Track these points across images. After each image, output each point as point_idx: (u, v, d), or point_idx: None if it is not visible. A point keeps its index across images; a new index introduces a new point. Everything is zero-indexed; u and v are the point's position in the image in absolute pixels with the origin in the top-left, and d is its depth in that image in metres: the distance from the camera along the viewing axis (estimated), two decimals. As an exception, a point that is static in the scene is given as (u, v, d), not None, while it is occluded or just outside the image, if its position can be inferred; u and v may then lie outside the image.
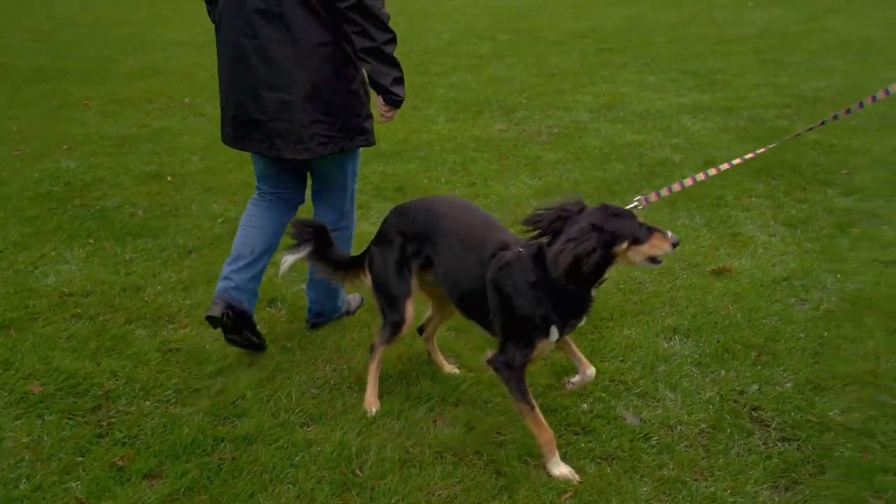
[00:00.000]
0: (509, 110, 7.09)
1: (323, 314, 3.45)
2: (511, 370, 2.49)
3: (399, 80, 2.94)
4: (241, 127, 3.04)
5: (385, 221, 2.91)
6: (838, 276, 3.79)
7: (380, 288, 2.86)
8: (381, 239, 2.87)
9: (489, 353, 2.58)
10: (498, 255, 2.52)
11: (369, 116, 3.08)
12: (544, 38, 10.89)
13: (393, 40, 2.86)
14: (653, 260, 2.43)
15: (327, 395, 2.92)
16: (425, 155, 5.75)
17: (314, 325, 3.44)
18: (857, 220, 4.44)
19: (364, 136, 3.06)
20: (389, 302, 2.82)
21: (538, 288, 2.41)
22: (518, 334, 2.49)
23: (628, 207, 2.51)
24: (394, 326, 2.82)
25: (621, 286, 3.72)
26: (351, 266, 2.98)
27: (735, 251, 4.10)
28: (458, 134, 6.30)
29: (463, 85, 8.03)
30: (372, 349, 2.92)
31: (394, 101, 2.97)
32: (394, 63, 2.89)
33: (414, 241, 2.78)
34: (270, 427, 2.72)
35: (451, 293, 2.73)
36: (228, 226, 4.38)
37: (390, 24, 2.85)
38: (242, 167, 5.38)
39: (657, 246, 2.39)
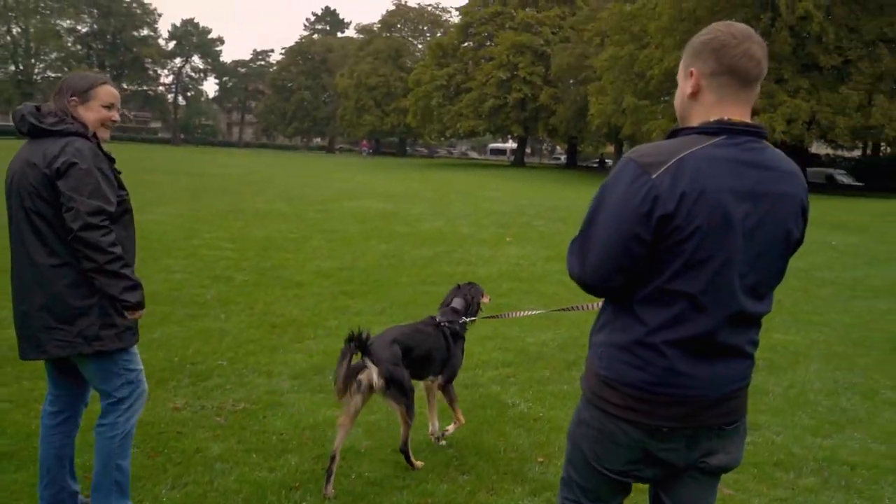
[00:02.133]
0: (202, 377, 6.10)
1: None
2: None
3: (129, 288, 3.40)
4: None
5: None
6: None
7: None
8: None
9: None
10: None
11: (109, 325, 3.47)
12: (287, 278, 10.30)
13: (115, 259, 3.34)
14: None
15: None
16: (32, 455, 4.14)
17: None
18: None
19: (100, 342, 3.46)
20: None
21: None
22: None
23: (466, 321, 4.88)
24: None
25: None
26: None
27: None
28: (115, 417, 5.15)
29: (162, 342, 6.98)
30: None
31: (126, 307, 3.45)
32: (119, 276, 3.37)
33: None
34: None
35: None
36: None
37: (112, 249, 3.31)
38: None
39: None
